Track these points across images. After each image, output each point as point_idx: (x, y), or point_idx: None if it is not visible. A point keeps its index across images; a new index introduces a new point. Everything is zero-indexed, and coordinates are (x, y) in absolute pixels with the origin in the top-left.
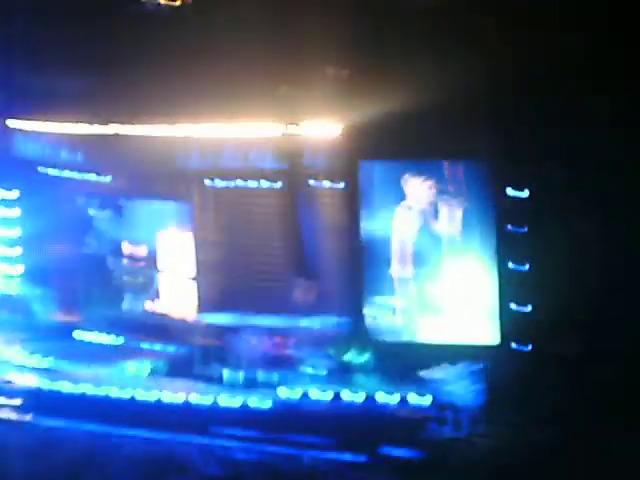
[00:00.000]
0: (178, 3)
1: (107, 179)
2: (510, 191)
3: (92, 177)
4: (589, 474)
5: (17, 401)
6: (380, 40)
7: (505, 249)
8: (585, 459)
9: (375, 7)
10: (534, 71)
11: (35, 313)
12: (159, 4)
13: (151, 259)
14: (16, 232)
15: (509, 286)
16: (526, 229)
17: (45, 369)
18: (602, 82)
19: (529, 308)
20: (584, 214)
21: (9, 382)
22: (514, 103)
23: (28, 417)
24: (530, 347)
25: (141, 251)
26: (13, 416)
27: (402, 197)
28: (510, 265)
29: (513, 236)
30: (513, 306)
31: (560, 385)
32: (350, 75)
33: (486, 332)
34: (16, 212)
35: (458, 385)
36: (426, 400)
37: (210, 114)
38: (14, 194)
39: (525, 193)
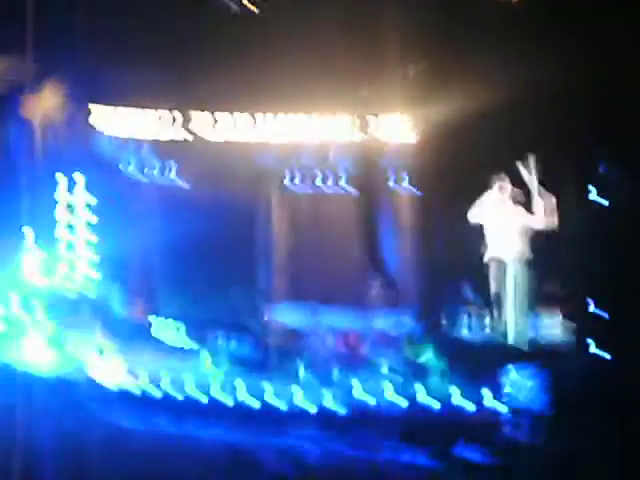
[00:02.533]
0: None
1: (185, 182)
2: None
3: (170, 180)
4: None
5: (96, 401)
6: (461, 37)
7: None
8: None
9: (454, 2)
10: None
11: (114, 315)
12: (240, 2)
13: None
14: (95, 235)
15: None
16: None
17: (123, 367)
18: None
19: (611, 313)
20: None
21: (88, 381)
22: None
23: (107, 416)
24: (610, 354)
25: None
26: (90, 415)
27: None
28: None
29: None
30: (595, 310)
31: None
32: (432, 74)
33: (568, 335)
34: (95, 217)
35: (535, 389)
36: (502, 404)
37: (289, 114)
38: (93, 198)
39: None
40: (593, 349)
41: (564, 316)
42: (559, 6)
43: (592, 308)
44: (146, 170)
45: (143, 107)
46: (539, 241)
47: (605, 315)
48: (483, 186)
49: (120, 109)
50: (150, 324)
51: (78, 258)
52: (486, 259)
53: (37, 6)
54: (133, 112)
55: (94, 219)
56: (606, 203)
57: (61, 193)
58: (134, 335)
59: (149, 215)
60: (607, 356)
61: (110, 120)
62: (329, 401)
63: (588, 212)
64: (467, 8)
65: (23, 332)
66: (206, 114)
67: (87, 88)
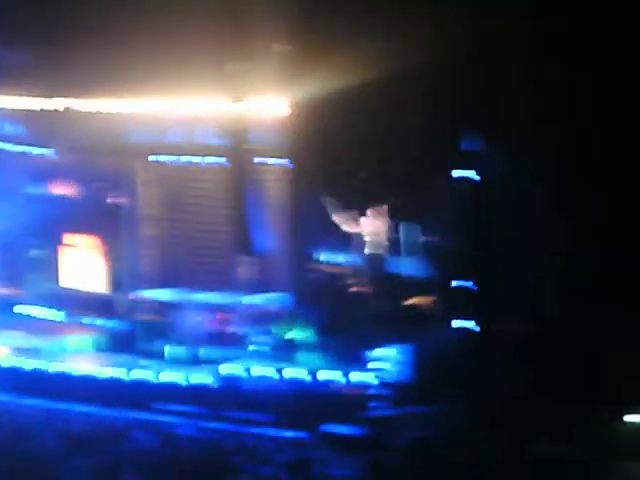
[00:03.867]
0: None
1: (50, 153)
2: None
3: (35, 151)
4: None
5: None
6: (326, 16)
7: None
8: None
9: None
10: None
11: None
12: None
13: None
14: None
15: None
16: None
17: None
18: None
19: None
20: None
21: None
22: None
23: None
24: (475, 324)
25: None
26: None
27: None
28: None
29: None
30: (457, 283)
31: (504, 365)
32: (296, 51)
33: (430, 308)
34: None
35: (401, 362)
36: (368, 377)
37: (155, 89)
38: None
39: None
40: (458, 321)
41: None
42: None
43: (455, 283)
44: (15, 141)
45: (8, 85)
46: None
47: (470, 287)
48: (353, 161)
49: None
50: (15, 300)
51: None
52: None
53: None
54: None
55: None
56: (471, 179)
57: None
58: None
59: (17, 188)
60: (471, 326)
61: None
62: (198, 376)
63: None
64: None
65: None
66: (78, 94)
67: None
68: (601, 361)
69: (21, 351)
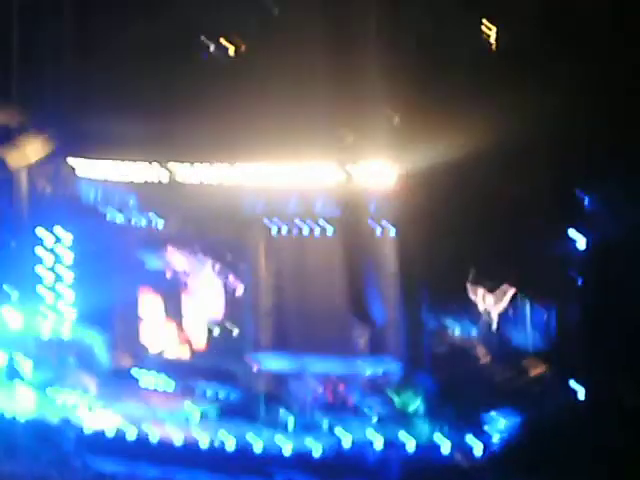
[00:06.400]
0: (236, 50)
1: (161, 224)
2: None
3: (148, 222)
4: None
5: (77, 443)
6: (439, 86)
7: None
8: None
9: (433, 53)
10: None
11: (91, 356)
12: (221, 51)
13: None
14: (71, 275)
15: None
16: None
17: (103, 410)
18: None
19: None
20: None
21: (70, 424)
22: None
23: (88, 459)
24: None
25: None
26: (73, 458)
27: None
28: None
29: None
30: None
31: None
32: (408, 119)
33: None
34: (71, 255)
35: (512, 430)
36: (479, 445)
37: (267, 156)
38: (70, 236)
39: None
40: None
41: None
42: (537, 55)
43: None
44: (129, 216)
45: (126, 158)
46: None
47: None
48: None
49: (103, 160)
50: (134, 371)
51: (61, 306)
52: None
53: (22, 58)
54: (116, 162)
55: (75, 266)
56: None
57: (45, 242)
58: (118, 381)
59: (133, 261)
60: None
61: (94, 170)
62: (311, 445)
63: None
64: (450, 55)
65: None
66: (190, 162)
67: (70, 139)
68: None
69: (135, 420)
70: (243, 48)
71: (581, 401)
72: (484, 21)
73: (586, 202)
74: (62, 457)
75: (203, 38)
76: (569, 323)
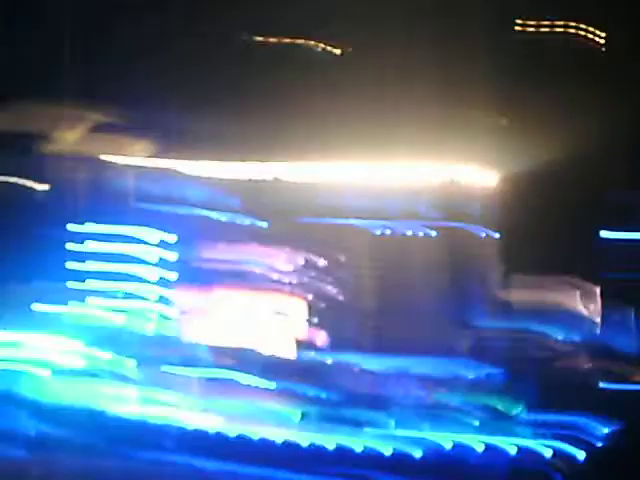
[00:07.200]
0: (339, 51)
1: (264, 224)
2: None
3: (248, 221)
4: None
5: (169, 441)
6: (541, 89)
7: None
8: None
9: (533, 56)
10: None
11: (190, 354)
12: (320, 51)
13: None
14: (173, 274)
15: None
16: None
17: (196, 409)
18: None
19: None
20: None
21: (159, 419)
22: None
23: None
24: None
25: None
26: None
27: None
28: None
29: None
30: None
31: None
32: (511, 123)
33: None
34: (175, 255)
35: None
36: (579, 452)
37: (366, 156)
38: (173, 237)
39: None
40: None
41: None
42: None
43: None
44: (225, 211)
45: (222, 157)
46: None
47: None
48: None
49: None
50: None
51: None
52: None
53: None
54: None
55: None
56: None
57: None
58: (211, 378)
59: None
60: None
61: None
62: (405, 446)
63: None
64: (550, 61)
65: (99, 372)
66: (289, 161)
67: (166, 139)
68: None
69: (231, 419)
70: (346, 49)
71: None
72: (591, 24)
73: None
74: (162, 457)
75: (305, 40)
76: None
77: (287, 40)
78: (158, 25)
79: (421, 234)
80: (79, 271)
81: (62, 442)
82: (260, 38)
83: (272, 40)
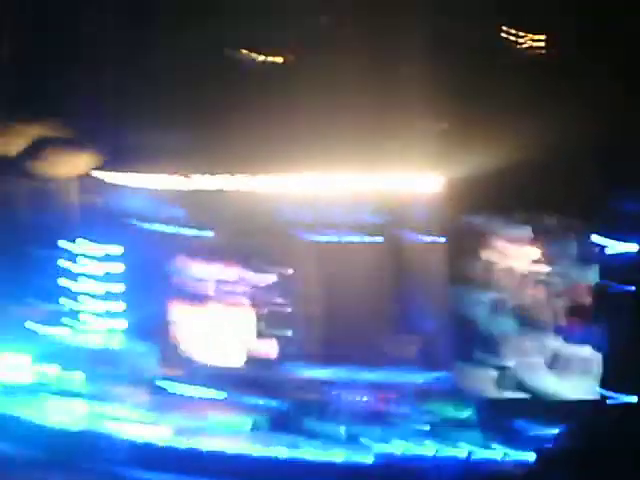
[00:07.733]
0: (281, 60)
1: (209, 234)
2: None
3: (193, 233)
4: None
5: (118, 454)
6: (482, 95)
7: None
8: None
9: (477, 61)
10: None
11: (138, 367)
12: (261, 61)
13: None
14: (119, 287)
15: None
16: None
17: (146, 422)
18: None
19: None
20: None
21: (111, 435)
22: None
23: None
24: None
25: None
26: (115, 469)
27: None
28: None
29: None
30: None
31: None
32: (452, 129)
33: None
34: (119, 267)
35: (561, 441)
36: (528, 456)
37: (313, 166)
38: (118, 249)
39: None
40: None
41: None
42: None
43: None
44: (170, 223)
45: (165, 168)
46: None
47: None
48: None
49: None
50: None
51: (102, 312)
52: None
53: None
54: (155, 175)
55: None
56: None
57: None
58: (160, 390)
59: (178, 272)
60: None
61: (140, 183)
62: (354, 455)
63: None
64: (488, 66)
65: (46, 386)
66: (232, 173)
67: (110, 151)
68: None
69: (181, 431)
70: (289, 58)
71: None
72: (532, 32)
73: None
74: (111, 470)
75: (249, 50)
76: None
77: (229, 52)
78: (96, 38)
79: (366, 241)
80: (24, 287)
81: (10, 457)
82: (202, 50)
83: (215, 52)
